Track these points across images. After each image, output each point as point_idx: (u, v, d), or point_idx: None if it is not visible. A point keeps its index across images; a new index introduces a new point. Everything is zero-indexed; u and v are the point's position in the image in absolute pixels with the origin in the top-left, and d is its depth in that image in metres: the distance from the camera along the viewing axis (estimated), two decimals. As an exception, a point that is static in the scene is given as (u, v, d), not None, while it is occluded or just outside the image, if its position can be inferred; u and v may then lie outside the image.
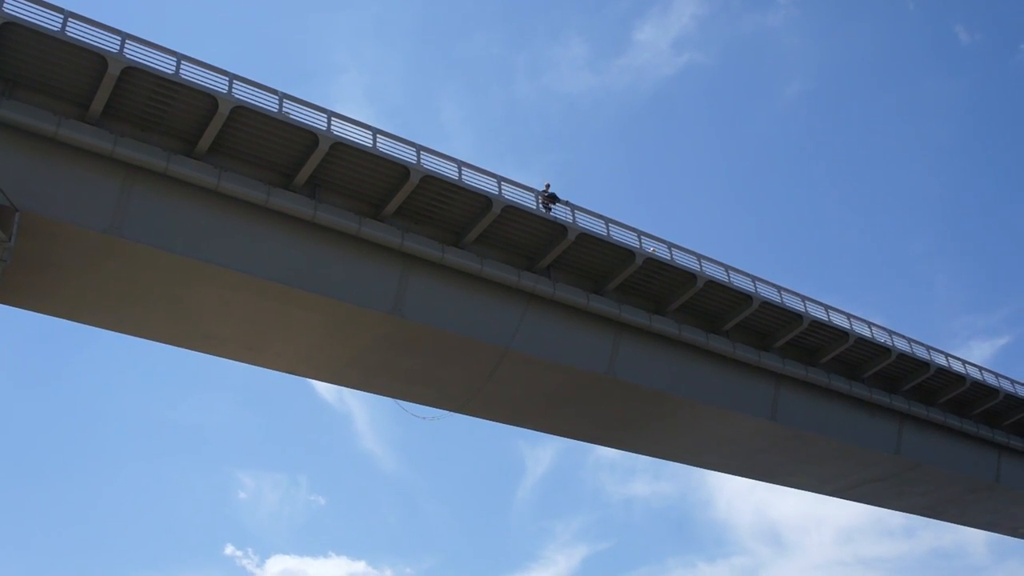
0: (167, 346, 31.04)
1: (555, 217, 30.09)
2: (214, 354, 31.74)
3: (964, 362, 41.36)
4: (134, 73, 23.39)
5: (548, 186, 30.53)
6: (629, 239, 31.49)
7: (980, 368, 42.22)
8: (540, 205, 30.06)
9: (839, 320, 36.44)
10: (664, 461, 42.13)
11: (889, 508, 48.17)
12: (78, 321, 29.15)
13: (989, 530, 52.56)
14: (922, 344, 39.60)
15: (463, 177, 28.41)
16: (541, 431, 37.35)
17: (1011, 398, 43.01)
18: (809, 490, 45.43)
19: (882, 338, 37.84)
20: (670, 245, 32.51)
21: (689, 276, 32.54)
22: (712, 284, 32.96)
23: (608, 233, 31.11)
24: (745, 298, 33.73)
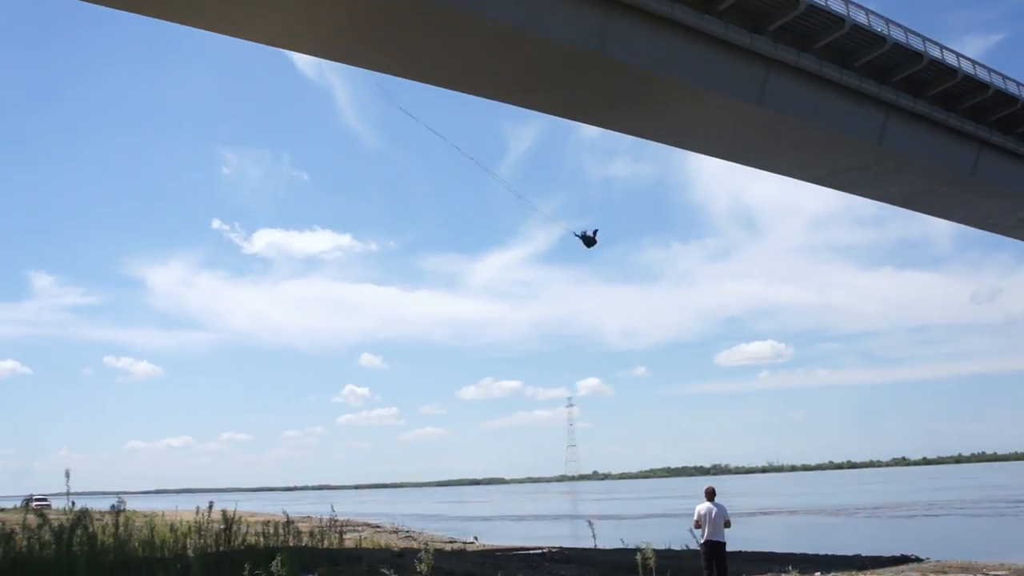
0: (145, 19, 30.17)
1: None
2: (194, 26, 30.95)
3: (958, 55, 40.87)
4: None
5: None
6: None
7: (973, 62, 41.85)
8: None
9: (836, 6, 35.51)
10: (645, 143, 42.69)
11: (864, 197, 49.35)
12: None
13: (958, 221, 54.28)
14: (918, 35, 38.89)
15: None
16: (526, 108, 37.44)
17: (1000, 94, 42.95)
18: (789, 175, 46.23)
19: (878, 26, 37.04)
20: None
21: (683, -50, 31.36)
22: (707, -40, 31.87)
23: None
24: (740, -24, 32.75)
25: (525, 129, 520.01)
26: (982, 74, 42.00)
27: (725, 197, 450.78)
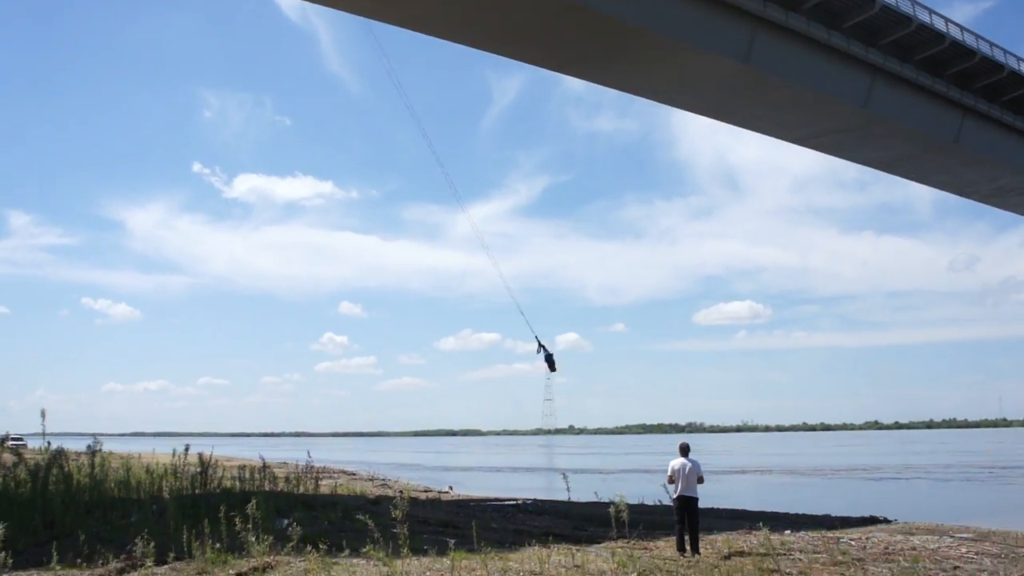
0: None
1: None
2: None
3: (947, 20, 40.81)
4: None
5: None
6: None
7: (961, 28, 41.80)
8: None
9: (827, -35, 35.45)
10: (631, 98, 42.44)
11: (848, 160, 49.43)
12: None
13: (939, 188, 54.44)
14: (907, -3, 38.83)
15: None
16: (513, 58, 37.16)
17: (986, 61, 42.98)
18: (773, 136, 46.18)
19: (868, -12, 37.04)
20: None
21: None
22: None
23: None
24: (732, -68, 32.55)
25: (510, 80, 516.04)
26: (970, 40, 41.98)
27: (709, 156, 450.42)
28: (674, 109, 43.42)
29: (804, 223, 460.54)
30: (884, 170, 50.85)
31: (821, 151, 47.87)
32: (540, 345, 29.87)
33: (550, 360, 30.29)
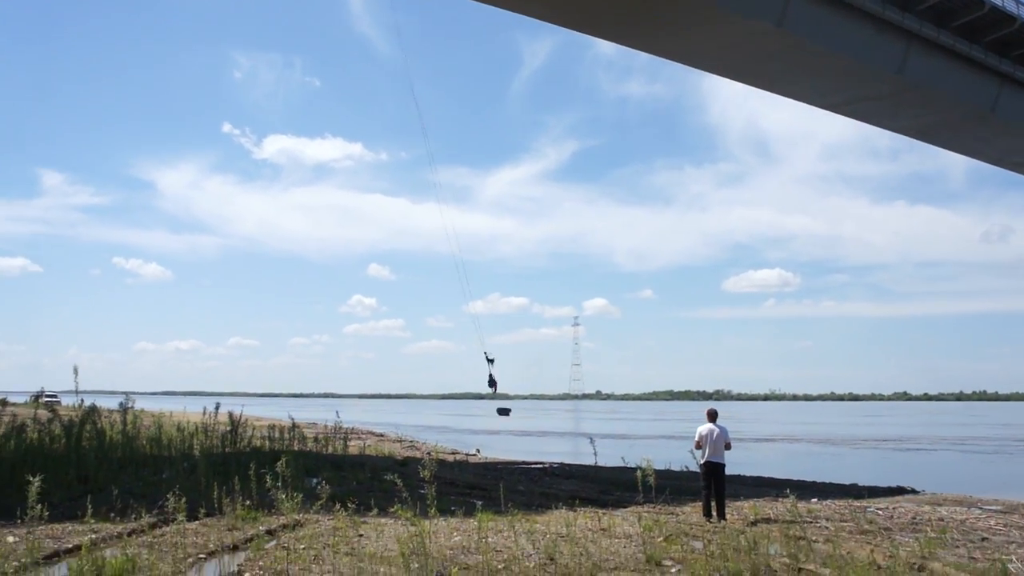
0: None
1: None
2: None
3: (987, -16, 39.99)
4: None
5: None
6: None
7: (1002, -8, 40.96)
8: None
9: (865, -74, 34.79)
10: (662, 63, 42.08)
11: (881, 127, 48.73)
12: None
13: (973, 157, 53.60)
14: (947, -39, 38.07)
15: None
16: (543, 20, 36.84)
17: (1027, 27, 42.16)
18: (806, 102, 45.59)
19: (906, -49, 36.41)
20: None
21: None
22: None
23: None
24: None
25: (540, 44, 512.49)
26: (1010, 6, 41.08)
27: (740, 121, 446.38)
28: (705, 74, 43.04)
29: (835, 191, 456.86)
30: (918, 138, 50.14)
31: (854, 118, 47.26)
32: (489, 360, 30.11)
33: (492, 381, 30.56)
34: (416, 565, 10.54)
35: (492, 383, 31.09)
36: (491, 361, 30.44)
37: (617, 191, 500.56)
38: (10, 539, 12.91)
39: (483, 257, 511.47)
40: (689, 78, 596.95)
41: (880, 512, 19.44)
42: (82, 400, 29.00)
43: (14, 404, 47.76)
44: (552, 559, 12.07)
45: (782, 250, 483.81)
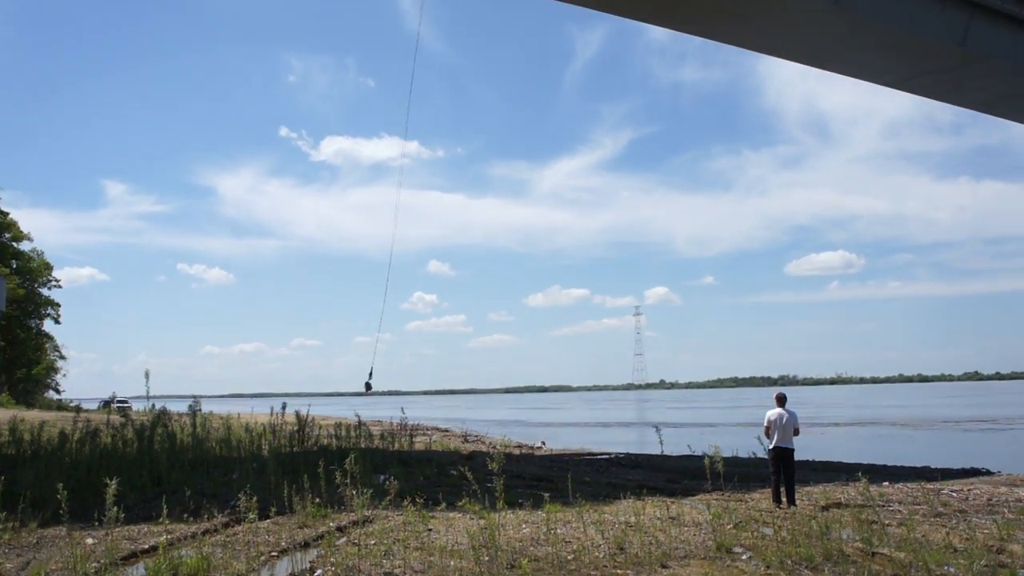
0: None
1: None
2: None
3: (1050, -49, 38.99)
4: None
5: None
6: None
7: (1066, -42, 39.88)
8: None
9: (921, -101, 34.05)
10: (716, 47, 41.64)
11: (944, 102, 47.69)
12: None
13: (1043, 128, 52.35)
14: (1008, -71, 37.15)
15: None
16: (592, 8, 36.63)
17: (1094, -8, 41.02)
18: (865, 79, 44.81)
19: (967, -83, 35.59)
20: None
21: None
22: None
23: None
24: None
25: (592, 33, 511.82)
26: (1075, -29, 40.06)
27: (798, 103, 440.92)
28: (761, 55, 42.48)
29: (897, 169, 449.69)
30: (982, 111, 48.99)
31: (915, 94, 46.31)
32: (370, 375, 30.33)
33: (368, 385, 30.64)
34: (486, 557, 10.55)
35: (368, 386, 31.70)
36: (370, 376, 31.10)
37: (675, 178, 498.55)
38: (89, 541, 13.19)
39: (541, 250, 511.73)
40: (745, 61, 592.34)
41: (954, 494, 19.08)
42: (153, 404, 29.57)
43: (86, 410, 48.81)
44: (622, 549, 12.02)
45: (844, 231, 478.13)
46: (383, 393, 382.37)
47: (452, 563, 11.05)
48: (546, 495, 16.54)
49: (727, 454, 23.27)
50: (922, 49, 39.78)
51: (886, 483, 21.39)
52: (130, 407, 50.40)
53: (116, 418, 29.09)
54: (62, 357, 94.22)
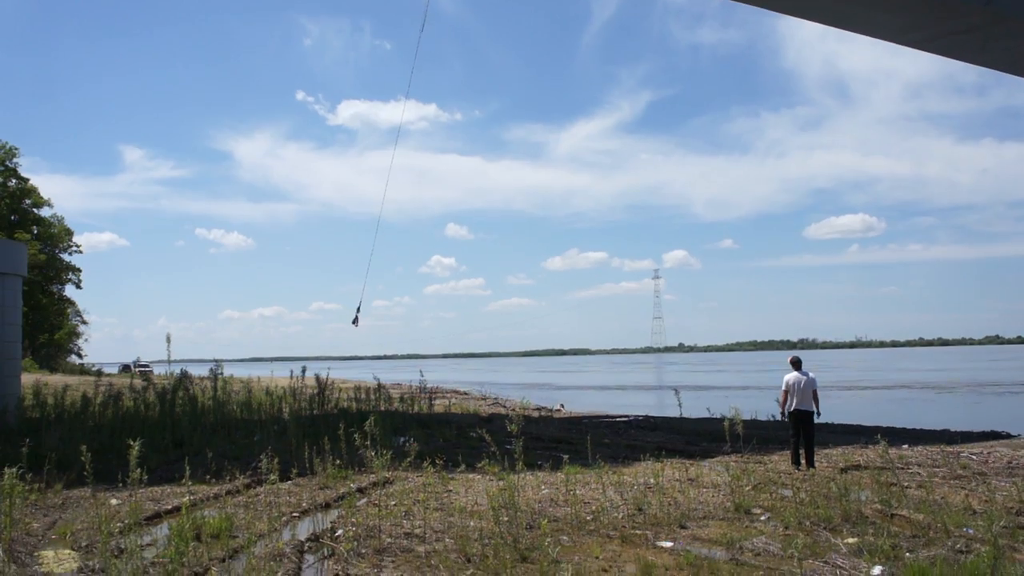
0: None
1: None
2: None
3: (1078, -92, 38.26)
4: None
5: None
6: None
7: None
8: None
9: None
10: (734, 6, 40.91)
11: (967, 62, 46.96)
12: None
13: (1068, 88, 51.72)
14: None
15: None
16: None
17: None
18: (887, 39, 44.17)
19: None
20: None
21: None
22: None
23: None
24: None
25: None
26: (1103, -73, 39.33)
27: (817, 63, 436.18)
28: (780, 16, 41.93)
29: (919, 131, 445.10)
30: (1008, 71, 48.33)
31: (938, 54, 45.60)
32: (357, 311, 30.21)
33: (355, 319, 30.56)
34: (506, 518, 10.62)
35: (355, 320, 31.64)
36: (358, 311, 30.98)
37: (693, 141, 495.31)
38: (113, 502, 13.35)
39: (559, 212, 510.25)
40: (764, 21, 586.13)
41: (974, 457, 19.04)
42: (174, 369, 29.76)
43: (108, 375, 49.13)
44: (640, 510, 12.07)
45: (865, 194, 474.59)
46: (403, 357, 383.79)
47: (472, 523, 11.12)
48: (565, 457, 16.62)
49: (746, 417, 23.30)
50: (947, 8, 39.23)
51: (905, 446, 21.36)
52: (152, 371, 50.74)
53: (138, 382, 29.32)
54: (84, 322, 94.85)
